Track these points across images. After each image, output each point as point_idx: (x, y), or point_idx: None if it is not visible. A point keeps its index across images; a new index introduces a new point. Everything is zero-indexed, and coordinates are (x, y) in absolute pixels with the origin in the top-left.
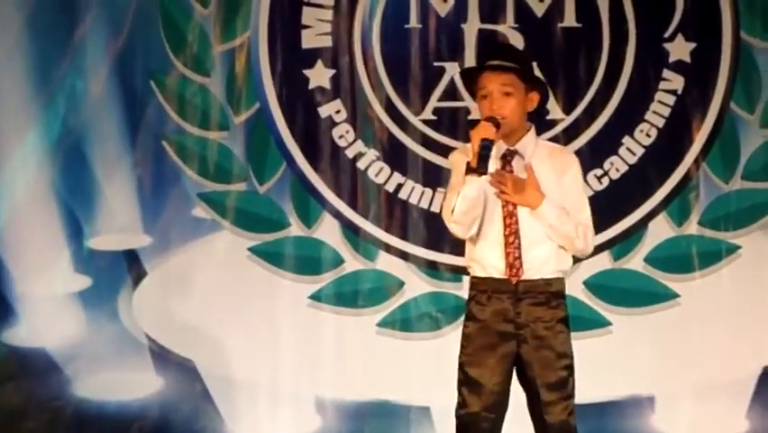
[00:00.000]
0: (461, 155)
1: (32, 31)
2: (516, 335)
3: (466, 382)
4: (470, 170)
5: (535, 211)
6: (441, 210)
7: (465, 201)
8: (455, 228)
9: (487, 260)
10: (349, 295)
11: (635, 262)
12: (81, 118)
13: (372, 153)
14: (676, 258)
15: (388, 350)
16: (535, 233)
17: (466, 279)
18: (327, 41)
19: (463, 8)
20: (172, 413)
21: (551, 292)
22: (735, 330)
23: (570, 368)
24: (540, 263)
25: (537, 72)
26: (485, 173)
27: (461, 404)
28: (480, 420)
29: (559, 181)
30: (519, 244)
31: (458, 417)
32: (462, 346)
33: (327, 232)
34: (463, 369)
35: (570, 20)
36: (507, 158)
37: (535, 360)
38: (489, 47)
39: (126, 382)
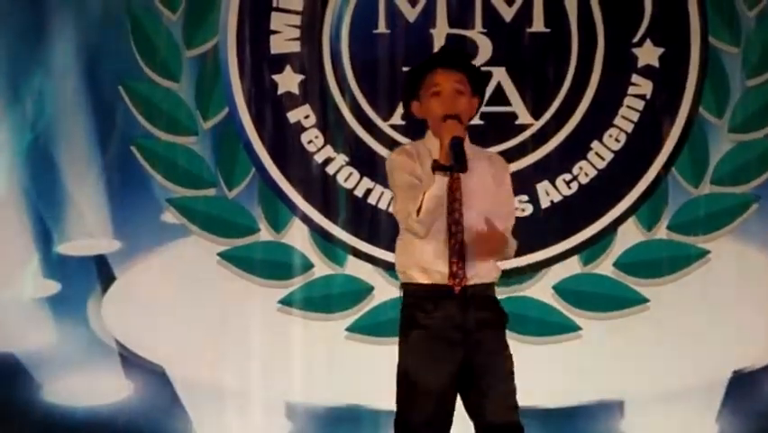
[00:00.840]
0: (403, 157)
1: None
2: (463, 341)
3: (412, 392)
4: (439, 167)
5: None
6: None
7: (433, 200)
8: (418, 228)
9: (432, 266)
10: (318, 300)
11: (605, 266)
12: (49, 123)
13: (341, 158)
14: (646, 263)
15: (357, 355)
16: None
17: None
18: (296, 47)
19: (432, 13)
20: (142, 419)
21: (492, 297)
22: (704, 335)
23: (513, 372)
24: (485, 270)
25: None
26: (464, 170)
27: (405, 415)
28: (431, 431)
29: (498, 188)
30: (464, 250)
31: (405, 429)
32: (407, 356)
33: (296, 237)
34: (409, 379)
35: (538, 25)
36: None
37: (486, 365)
38: (440, 49)
39: (96, 387)
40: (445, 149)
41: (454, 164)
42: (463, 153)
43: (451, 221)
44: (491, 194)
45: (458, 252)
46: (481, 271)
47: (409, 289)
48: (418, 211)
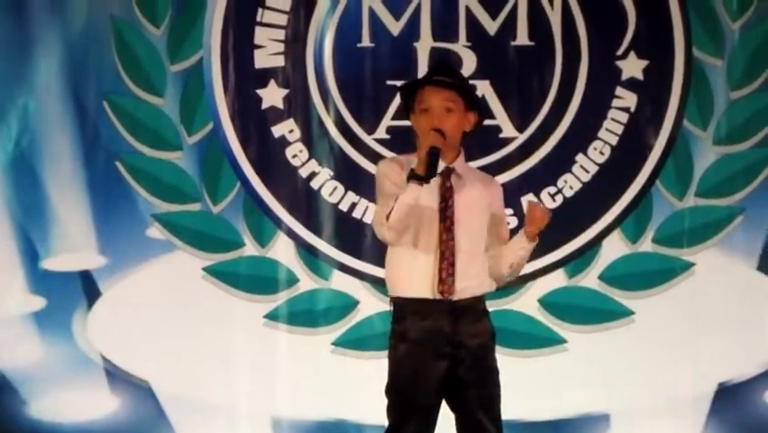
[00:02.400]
0: (390, 165)
1: None
2: (452, 354)
3: (401, 405)
4: (414, 177)
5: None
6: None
7: (403, 207)
8: (388, 234)
9: (421, 279)
10: (304, 314)
11: (590, 279)
12: (34, 139)
13: (326, 173)
14: (631, 275)
15: (343, 369)
16: (470, 251)
17: None
18: (280, 61)
19: (416, 27)
20: None
21: (482, 310)
22: (690, 347)
23: (500, 385)
24: (476, 283)
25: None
26: (430, 179)
27: (397, 428)
28: None
29: (488, 208)
30: (454, 262)
31: None
32: (395, 369)
33: (281, 251)
34: (399, 392)
35: (522, 38)
36: (445, 174)
37: (473, 378)
38: (434, 65)
39: (81, 403)
40: (422, 158)
41: (424, 173)
42: (435, 164)
43: (443, 230)
44: (480, 213)
45: (448, 263)
46: (471, 285)
47: (398, 302)
48: (388, 216)
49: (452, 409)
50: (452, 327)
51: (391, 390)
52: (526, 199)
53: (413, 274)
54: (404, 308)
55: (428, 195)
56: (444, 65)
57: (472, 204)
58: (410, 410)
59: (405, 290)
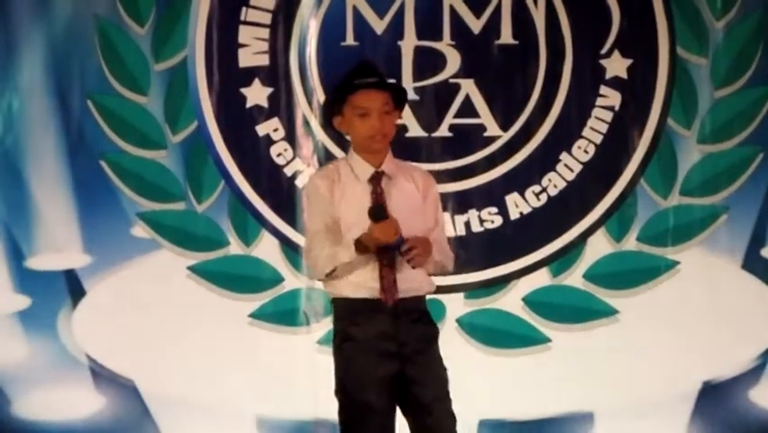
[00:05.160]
0: (325, 182)
1: None
2: (397, 354)
3: (353, 406)
4: (363, 249)
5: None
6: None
7: (347, 267)
8: (318, 275)
9: (363, 282)
10: (289, 313)
11: (574, 278)
12: (18, 138)
13: (311, 171)
14: (615, 274)
15: (328, 368)
16: None
17: None
18: (264, 60)
19: (400, 26)
20: None
21: (424, 310)
22: (674, 346)
23: (448, 381)
24: (418, 283)
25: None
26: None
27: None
28: None
29: (424, 201)
30: (395, 266)
31: None
32: (343, 370)
33: (266, 250)
34: (348, 394)
35: (506, 37)
36: (375, 179)
37: (423, 376)
38: (358, 65)
39: (67, 402)
40: (371, 246)
41: (380, 255)
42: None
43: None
44: (417, 209)
45: (389, 265)
46: (414, 285)
47: (339, 303)
48: (331, 273)
49: (406, 410)
50: (395, 328)
51: (342, 395)
52: (511, 199)
53: (359, 277)
54: (346, 309)
55: (361, 201)
56: (369, 65)
57: (405, 202)
58: (366, 417)
59: (346, 291)
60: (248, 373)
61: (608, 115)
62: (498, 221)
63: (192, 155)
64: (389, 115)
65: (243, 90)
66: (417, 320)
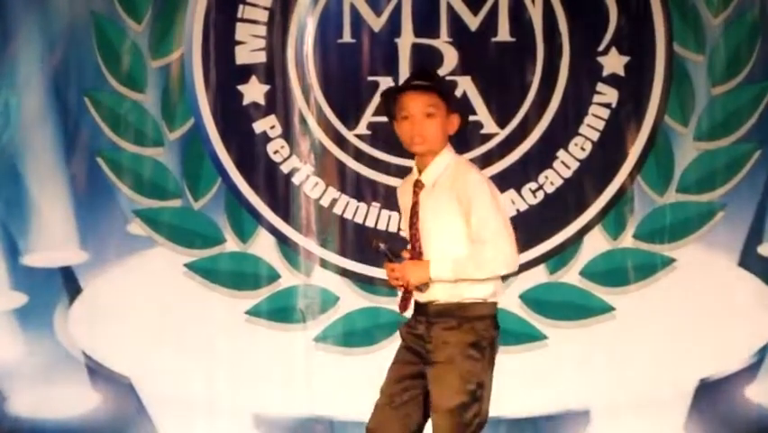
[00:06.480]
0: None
1: None
2: (424, 356)
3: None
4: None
5: (432, 280)
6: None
7: None
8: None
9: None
10: (285, 310)
11: (571, 275)
12: (15, 135)
13: (307, 169)
14: (612, 271)
15: (325, 365)
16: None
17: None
18: (261, 57)
19: (397, 23)
20: (108, 430)
21: (463, 316)
22: (671, 343)
23: (472, 394)
24: (443, 291)
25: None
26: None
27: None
28: None
29: (458, 209)
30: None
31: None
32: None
33: (263, 247)
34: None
35: (504, 34)
36: (416, 188)
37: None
38: (413, 70)
39: (63, 399)
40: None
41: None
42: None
43: (411, 246)
44: (447, 222)
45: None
46: (439, 294)
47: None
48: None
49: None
50: (427, 331)
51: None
52: (508, 196)
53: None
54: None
55: (406, 208)
56: (423, 69)
57: (438, 214)
58: None
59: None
60: (244, 370)
61: (605, 113)
62: None
63: (189, 152)
64: (432, 117)
65: (240, 87)
66: (453, 327)
